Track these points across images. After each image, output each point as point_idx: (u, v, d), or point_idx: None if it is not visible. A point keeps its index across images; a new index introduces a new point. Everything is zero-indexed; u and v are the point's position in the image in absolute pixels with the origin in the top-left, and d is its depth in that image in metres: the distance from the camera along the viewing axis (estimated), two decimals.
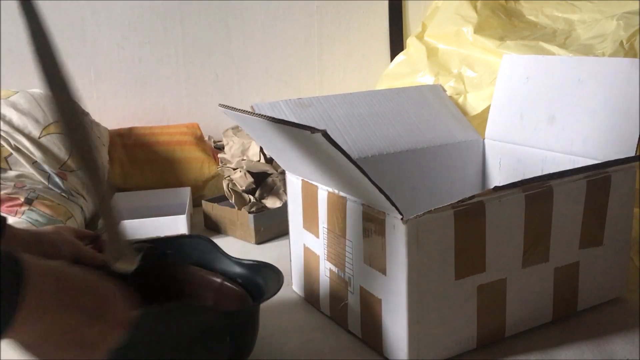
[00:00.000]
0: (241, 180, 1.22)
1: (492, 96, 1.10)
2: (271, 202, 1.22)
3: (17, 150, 1.18)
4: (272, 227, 1.21)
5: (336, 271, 0.82)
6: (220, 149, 1.51)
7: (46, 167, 1.18)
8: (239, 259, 0.81)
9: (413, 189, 1.05)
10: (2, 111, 1.21)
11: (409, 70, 1.40)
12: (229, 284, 0.79)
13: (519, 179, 0.70)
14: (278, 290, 0.70)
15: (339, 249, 0.81)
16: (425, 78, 1.34)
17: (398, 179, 1.02)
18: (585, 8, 1.30)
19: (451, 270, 0.71)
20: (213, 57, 1.70)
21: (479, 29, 1.33)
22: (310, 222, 0.87)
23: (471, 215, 0.71)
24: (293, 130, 0.65)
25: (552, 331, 0.81)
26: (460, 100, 1.25)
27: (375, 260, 0.73)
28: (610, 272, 0.86)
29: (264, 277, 0.76)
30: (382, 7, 1.78)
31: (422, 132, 1.06)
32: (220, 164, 1.32)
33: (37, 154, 1.18)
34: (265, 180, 1.24)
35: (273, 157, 1.19)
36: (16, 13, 0.53)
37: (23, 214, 1.06)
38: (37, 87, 1.29)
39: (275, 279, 0.73)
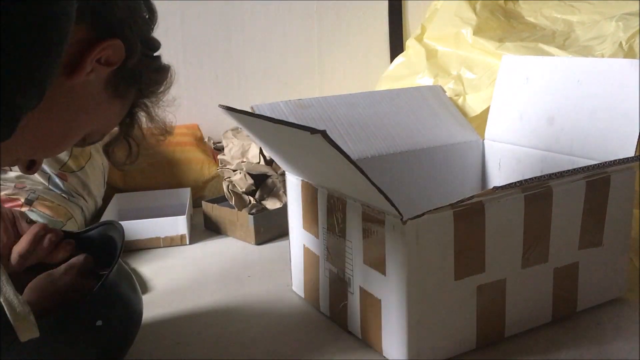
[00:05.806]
0: (241, 182, 1.22)
1: (492, 97, 1.11)
2: (271, 203, 1.23)
3: None
4: (272, 228, 1.21)
5: (336, 271, 0.82)
6: (220, 150, 1.51)
7: (46, 168, 1.18)
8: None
9: (413, 189, 1.05)
10: None
11: (409, 72, 1.40)
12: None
13: (519, 180, 0.70)
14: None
15: (338, 250, 0.81)
16: (425, 80, 1.34)
17: (398, 179, 1.02)
18: (585, 9, 1.30)
19: (451, 271, 0.71)
20: (213, 58, 1.70)
21: (478, 31, 1.33)
22: (310, 222, 0.87)
23: (471, 216, 0.71)
24: (293, 130, 0.65)
25: (551, 332, 0.81)
26: (460, 101, 1.25)
27: (375, 260, 0.74)
28: (609, 272, 0.86)
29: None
30: (382, 8, 1.78)
31: (422, 133, 1.06)
32: (219, 165, 1.32)
33: None
34: (265, 182, 1.24)
35: (273, 158, 1.19)
36: None
37: None
38: None
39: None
